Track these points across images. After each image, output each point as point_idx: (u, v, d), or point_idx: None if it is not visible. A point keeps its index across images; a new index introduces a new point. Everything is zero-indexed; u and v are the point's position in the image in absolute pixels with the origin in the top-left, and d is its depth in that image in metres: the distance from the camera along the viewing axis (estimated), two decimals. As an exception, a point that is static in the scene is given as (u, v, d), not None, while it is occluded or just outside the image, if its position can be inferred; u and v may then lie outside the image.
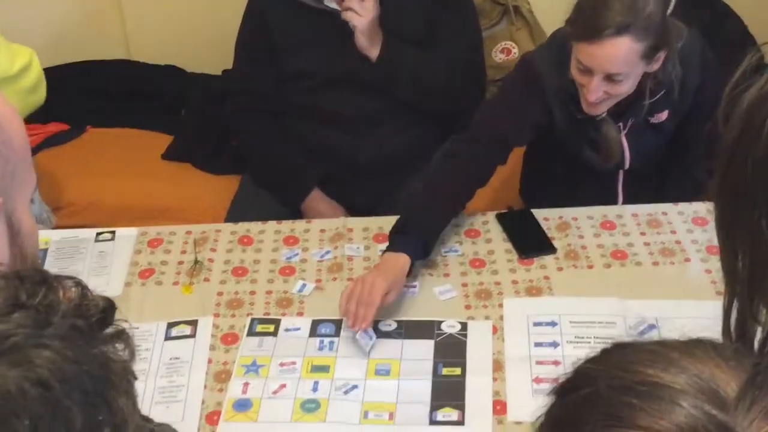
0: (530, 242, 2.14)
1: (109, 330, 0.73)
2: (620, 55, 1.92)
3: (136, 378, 0.74)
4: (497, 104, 2.23)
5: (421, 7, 2.46)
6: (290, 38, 2.48)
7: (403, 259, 1.94)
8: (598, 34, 1.90)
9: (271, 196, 2.59)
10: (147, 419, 1.36)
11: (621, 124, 2.16)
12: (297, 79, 2.52)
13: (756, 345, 0.95)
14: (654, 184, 2.28)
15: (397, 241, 1.99)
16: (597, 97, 2.00)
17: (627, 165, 2.23)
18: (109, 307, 0.74)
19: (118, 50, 3.40)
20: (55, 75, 3.29)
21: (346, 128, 2.52)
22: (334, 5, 2.39)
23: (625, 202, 2.32)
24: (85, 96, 3.28)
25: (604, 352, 0.73)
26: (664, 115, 2.14)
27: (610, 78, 1.97)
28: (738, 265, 0.95)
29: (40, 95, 2.26)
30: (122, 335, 0.74)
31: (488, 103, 2.33)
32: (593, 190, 2.28)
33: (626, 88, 2.02)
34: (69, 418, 0.65)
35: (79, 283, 0.74)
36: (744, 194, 0.92)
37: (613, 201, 2.33)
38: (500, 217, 2.21)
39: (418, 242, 1.99)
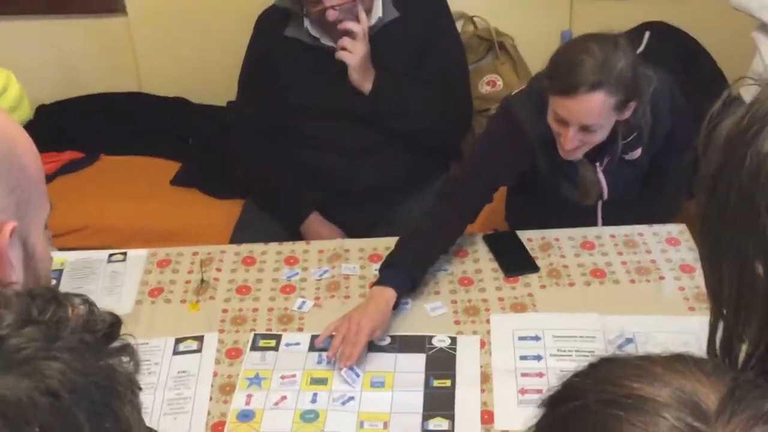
0: (515, 262, 2.13)
1: (115, 344, 0.72)
2: (594, 109, 1.93)
3: (140, 389, 0.73)
4: (484, 151, 2.24)
5: (411, 43, 2.46)
6: (290, 73, 2.48)
7: (389, 294, 1.94)
8: (573, 90, 1.91)
9: (273, 218, 2.58)
10: None
11: (598, 162, 2.17)
12: (296, 111, 2.52)
13: (740, 363, 0.93)
14: (631, 212, 2.28)
15: (386, 276, 1.98)
16: (573, 145, 2.01)
17: (605, 197, 2.24)
18: (115, 323, 0.74)
19: (131, 83, 3.40)
20: (71, 106, 3.33)
21: (342, 156, 2.51)
22: (330, 43, 2.39)
23: (604, 219, 2.32)
24: (99, 126, 3.26)
25: (592, 367, 0.72)
26: (638, 153, 2.15)
27: (585, 128, 1.98)
28: (724, 290, 0.92)
29: (23, 112, 2.21)
30: (127, 349, 0.73)
31: (476, 147, 2.33)
32: (574, 218, 2.27)
33: (600, 136, 2.03)
34: (77, 426, 0.64)
35: (87, 301, 0.74)
36: (729, 223, 0.89)
37: (593, 218, 2.33)
38: (487, 239, 2.21)
39: (407, 278, 1.99)
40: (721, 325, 0.96)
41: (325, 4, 2.31)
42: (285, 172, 2.58)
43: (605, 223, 2.30)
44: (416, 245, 2.06)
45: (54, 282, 2.14)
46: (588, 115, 1.95)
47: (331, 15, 2.32)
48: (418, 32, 2.47)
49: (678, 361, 0.69)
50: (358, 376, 1.83)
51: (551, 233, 2.22)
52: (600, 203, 2.28)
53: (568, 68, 1.93)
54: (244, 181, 2.75)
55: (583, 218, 2.29)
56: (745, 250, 0.87)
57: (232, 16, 3.21)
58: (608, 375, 0.69)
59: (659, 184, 2.29)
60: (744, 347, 0.94)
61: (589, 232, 2.23)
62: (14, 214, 0.93)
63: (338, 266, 2.15)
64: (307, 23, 2.42)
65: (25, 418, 0.62)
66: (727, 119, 0.91)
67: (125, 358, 0.72)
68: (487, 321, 1.96)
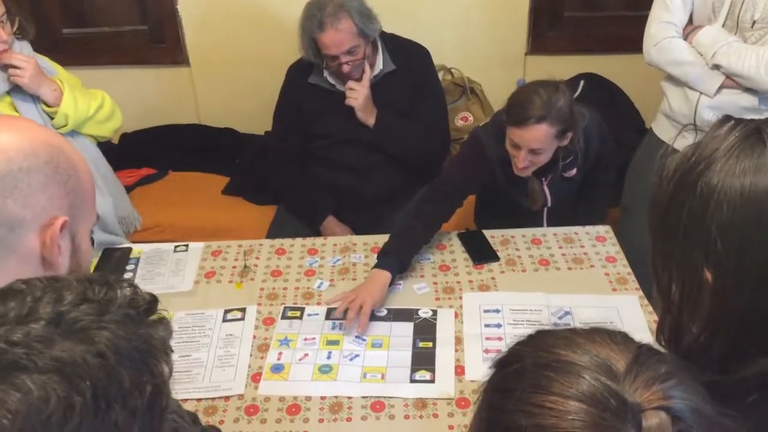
0: (481, 253, 2.12)
1: (153, 317, 0.72)
2: (540, 137, 1.94)
3: (172, 351, 0.73)
4: (456, 166, 2.23)
5: (404, 89, 2.45)
6: (313, 110, 2.46)
7: (385, 276, 1.93)
8: (524, 121, 1.92)
9: (299, 220, 2.58)
10: (196, 419, 1.31)
11: (543, 178, 2.16)
12: (317, 139, 2.50)
13: (684, 348, 0.91)
14: (568, 217, 2.27)
15: (382, 261, 1.97)
16: (524, 165, 2.01)
17: (549, 204, 2.24)
18: (152, 301, 0.73)
19: (192, 117, 3.37)
20: (147, 134, 3.31)
21: (351, 173, 2.50)
22: (343, 88, 2.39)
23: (548, 221, 2.31)
24: (168, 149, 3.24)
25: (530, 337, 0.72)
26: (574, 171, 2.15)
27: (533, 152, 1.98)
28: (672, 290, 0.89)
29: (116, 121, 2.22)
30: (163, 321, 0.73)
31: (451, 164, 2.33)
32: (526, 220, 2.26)
33: (545, 158, 2.03)
34: (120, 380, 0.64)
35: (131, 284, 0.73)
36: (681, 238, 0.86)
37: (539, 220, 2.32)
38: (460, 236, 2.20)
39: (397, 262, 1.98)
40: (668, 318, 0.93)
41: (341, 60, 2.31)
42: (308, 185, 2.57)
43: (549, 225, 2.29)
44: (405, 238, 2.05)
45: (133, 267, 2.14)
46: (535, 141, 1.95)
47: (345, 69, 2.33)
48: (409, 81, 2.46)
49: (596, 333, 0.69)
50: (363, 340, 1.82)
51: (509, 232, 2.21)
52: (545, 210, 2.27)
53: (521, 105, 1.94)
54: (277, 191, 2.74)
55: (533, 221, 2.28)
56: (696, 260, 0.84)
57: (269, 66, 3.19)
58: (542, 343, 0.69)
59: (590, 195, 2.29)
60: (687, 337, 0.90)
61: (537, 231, 2.21)
62: (68, 213, 0.93)
63: (348, 256, 2.13)
64: (326, 73, 2.42)
65: (79, 374, 0.62)
66: (676, 155, 0.88)
67: (161, 328, 0.72)
68: (460, 298, 1.95)
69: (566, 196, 2.26)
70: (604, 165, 2.22)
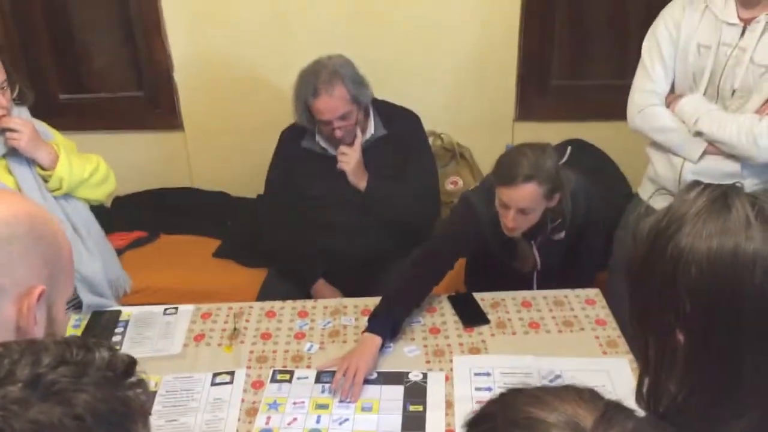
0: (471, 316, 2.11)
1: (132, 379, 0.72)
2: (528, 196, 1.97)
3: (150, 413, 0.72)
4: (446, 229, 2.26)
5: (396, 153, 2.50)
6: (305, 173, 2.49)
7: (377, 340, 1.92)
8: (513, 181, 1.96)
9: (289, 283, 2.57)
10: None
11: (533, 241, 2.19)
12: (309, 202, 2.53)
13: (663, 407, 0.91)
14: (557, 279, 2.28)
15: (373, 325, 1.96)
16: (513, 224, 2.03)
17: (539, 267, 2.25)
18: (131, 363, 0.73)
19: (185, 180, 3.40)
20: (139, 198, 3.33)
21: (343, 236, 2.51)
22: (335, 153, 2.44)
23: (538, 284, 2.32)
24: (160, 212, 3.26)
25: (501, 395, 0.73)
26: (562, 235, 2.17)
27: (521, 211, 2.01)
28: (649, 351, 0.91)
29: (110, 185, 2.23)
30: (141, 383, 0.73)
31: (441, 227, 2.37)
32: (516, 283, 2.27)
33: (533, 218, 2.06)
34: None
35: (110, 347, 0.73)
36: (654, 300, 0.88)
37: (530, 284, 2.33)
38: (450, 298, 2.20)
39: (388, 327, 1.97)
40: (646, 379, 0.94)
41: (334, 126, 2.36)
42: (299, 248, 2.56)
43: (539, 287, 2.30)
44: (396, 302, 2.05)
45: (122, 330, 2.12)
46: (524, 200, 1.99)
47: (338, 134, 2.38)
48: (400, 145, 2.50)
49: (565, 391, 0.70)
50: (353, 403, 1.80)
51: (499, 295, 2.21)
52: (535, 272, 2.29)
53: (509, 166, 1.99)
54: (268, 254, 2.73)
55: (522, 283, 2.29)
56: (668, 321, 0.86)
57: (261, 131, 3.24)
58: (512, 402, 0.70)
59: (579, 258, 2.31)
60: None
61: (527, 294, 2.22)
62: (46, 283, 0.93)
63: (338, 318, 2.13)
64: (318, 138, 2.46)
65: None
66: (650, 218, 0.90)
67: (139, 391, 0.72)
68: (451, 361, 1.93)
69: (555, 258, 2.27)
70: (592, 228, 2.24)
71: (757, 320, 0.81)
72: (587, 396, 0.68)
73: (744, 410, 0.84)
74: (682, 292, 0.83)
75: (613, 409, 0.67)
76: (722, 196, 0.86)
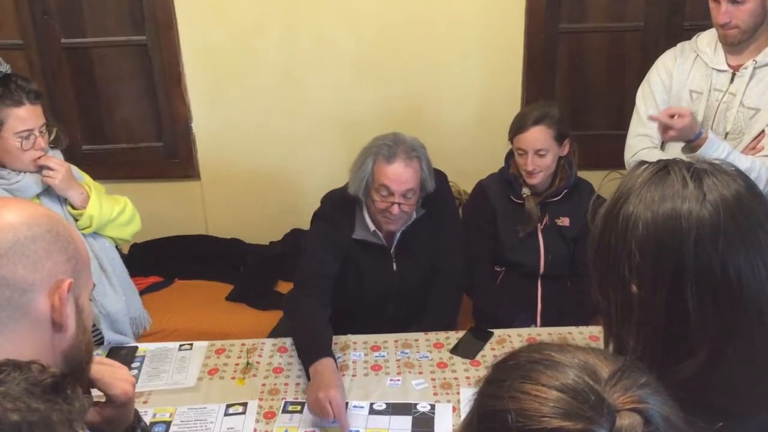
0: (460, 346, 2.15)
1: (60, 394, 0.70)
2: (540, 137, 2.28)
3: (82, 428, 0.70)
4: (465, 223, 2.49)
5: (430, 233, 2.33)
6: (357, 264, 2.30)
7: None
8: (524, 126, 2.29)
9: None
10: None
11: (539, 224, 2.38)
12: (354, 292, 2.33)
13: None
14: (560, 289, 2.38)
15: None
16: (533, 166, 2.28)
17: (542, 268, 2.33)
18: (61, 377, 0.72)
19: (200, 228, 3.49)
20: (156, 245, 3.39)
21: (375, 310, 2.37)
22: (383, 242, 2.29)
23: (542, 302, 2.41)
24: (176, 259, 3.32)
25: (528, 345, 0.80)
26: (566, 221, 2.30)
27: (538, 153, 2.28)
28: (611, 310, 1.01)
29: (135, 225, 2.33)
30: (69, 398, 0.71)
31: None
32: (521, 291, 2.40)
33: (550, 161, 2.31)
34: None
35: (44, 366, 0.72)
36: (611, 260, 0.99)
37: (534, 300, 2.43)
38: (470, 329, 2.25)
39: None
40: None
41: (394, 199, 2.13)
42: (322, 326, 2.12)
43: (543, 296, 2.42)
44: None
45: (138, 365, 2.16)
46: (537, 142, 2.27)
47: (395, 210, 2.15)
48: (434, 221, 2.33)
49: (589, 347, 0.77)
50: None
51: (505, 332, 2.24)
52: (539, 281, 2.36)
53: (520, 117, 2.35)
54: (286, 317, 2.46)
55: (527, 291, 2.40)
56: (623, 276, 0.97)
57: (275, 180, 3.37)
58: (537, 347, 0.77)
59: (582, 272, 2.38)
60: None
61: (533, 331, 2.26)
62: (71, 276, 0.99)
63: (348, 353, 2.16)
64: (367, 218, 2.24)
65: None
66: (608, 201, 1.03)
67: (67, 405, 0.70)
68: (458, 393, 1.96)
69: (559, 259, 2.38)
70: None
71: (696, 267, 0.92)
72: (608, 353, 0.76)
73: (693, 351, 0.94)
74: (632, 246, 0.96)
75: (630, 365, 0.73)
76: (664, 167, 0.99)
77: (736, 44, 2.13)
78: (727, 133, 2.18)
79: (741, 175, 0.99)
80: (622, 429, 0.66)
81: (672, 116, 2.02)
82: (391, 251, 2.31)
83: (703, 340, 0.93)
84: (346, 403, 1.88)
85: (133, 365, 2.15)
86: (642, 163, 1.02)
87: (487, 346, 2.17)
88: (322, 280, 2.20)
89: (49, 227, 0.98)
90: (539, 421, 0.67)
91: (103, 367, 1.13)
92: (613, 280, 0.99)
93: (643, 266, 0.95)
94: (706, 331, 0.93)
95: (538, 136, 2.27)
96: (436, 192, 2.26)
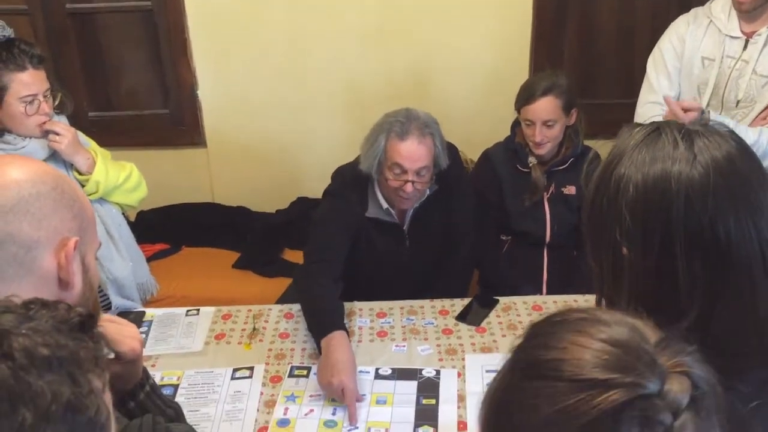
0: (466, 314, 2.16)
1: (86, 333, 0.70)
2: (548, 107, 2.23)
3: (105, 368, 0.70)
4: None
5: (442, 211, 2.29)
6: (369, 243, 2.26)
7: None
8: (532, 97, 2.25)
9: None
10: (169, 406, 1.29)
11: (545, 193, 2.37)
12: (366, 266, 2.30)
13: None
14: (566, 258, 2.38)
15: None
16: (540, 137, 2.25)
17: (548, 237, 2.33)
18: (88, 316, 0.72)
19: (207, 196, 3.49)
20: (162, 213, 3.40)
21: (388, 285, 2.33)
22: (396, 220, 2.26)
23: (548, 271, 2.42)
24: (182, 226, 3.33)
25: (570, 307, 0.80)
26: (573, 189, 2.29)
27: (545, 124, 2.24)
28: (603, 274, 1.01)
29: (141, 191, 2.32)
30: (97, 338, 0.71)
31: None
32: (527, 262, 2.39)
33: (557, 132, 2.28)
34: (28, 382, 0.62)
35: (69, 306, 0.73)
36: (603, 223, 1.00)
37: (540, 269, 2.43)
38: (475, 297, 2.26)
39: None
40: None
41: (408, 177, 2.09)
42: (333, 301, 2.10)
43: (549, 265, 2.42)
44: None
45: (146, 329, 2.18)
46: (545, 112, 2.23)
47: (408, 188, 2.11)
48: (446, 197, 2.28)
49: (629, 316, 0.76)
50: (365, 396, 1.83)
51: (511, 299, 2.24)
52: (545, 250, 2.36)
53: (528, 87, 2.30)
54: (296, 292, 2.33)
55: (533, 260, 2.41)
56: (614, 239, 0.98)
57: (280, 148, 3.36)
58: (584, 309, 0.77)
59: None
60: None
61: (538, 299, 2.26)
62: (77, 234, 0.99)
63: (354, 319, 2.17)
64: (380, 196, 2.21)
65: None
66: (601, 164, 1.03)
67: (93, 344, 0.70)
68: (463, 359, 1.97)
69: (565, 228, 2.37)
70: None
71: (686, 228, 0.93)
72: (649, 323, 0.75)
73: (683, 313, 0.94)
74: (623, 209, 0.96)
75: (672, 335, 0.73)
76: (656, 129, 0.99)
77: (750, 11, 2.09)
78: (738, 101, 2.15)
79: (734, 136, 0.98)
80: (672, 388, 0.66)
81: (684, 110, 1.99)
82: (404, 228, 2.30)
83: (693, 301, 0.94)
84: None
85: (141, 330, 2.16)
86: (635, 125, 1.02)
87: (493, 314, 2.17)
88: (332, 254, 2.17)
89: (54, 185, 0.98)
90: (591, 372, 0.67)
91: (111, 324, 1.14)
92: (605, 243, 0.99)
93: (633, 228, 0.95)
94: (696, 291, 0.94)
95: (546, 107, 2.23)
96: (449, 167, 2.21)
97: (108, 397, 0.69)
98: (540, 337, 0.74)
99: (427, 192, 2.20)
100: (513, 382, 0.74)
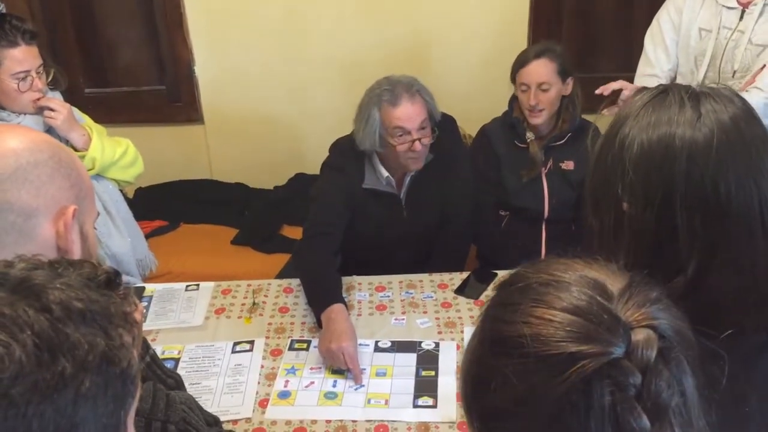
0: (464, 286, 2.18)
1: (114, 290, 0.71)
2: (543, 71, 2.23)
3: (136, 321, 0.71)
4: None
5: (438, 180, 2.31)
6: (366, 214, 2.28)
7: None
8: (527, 60, 2.26)
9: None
10: (216, 422, 1.30)
11: (543, 169, 2.36)
12: (365, 240, 2.32)
13: None
14: (565, 233, 2.38)
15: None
16: (535, 100, 2.23)
17: (546, 213, 2.33)
18: (113, 274, 0.73)
19: (204, 172, 3.48)
20: (160, 189, 3.40)
21: (384, 258, 2.34)
22: (394, 191, 2.29)
23: (546, 246, 2.42)
24: (180, 203, 3.33)
25: (533, 262, 0.79)
26: (571, 165, 2.28)
27: (540, 87, 2.23)
28: (603, 231, 1.03)
29: (138, 167, 2.32)
30: (125, 295, 0.72)
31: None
32: (525, 238, 2.41)
33: (553, 96, 2.26)
34: (67, 335, 0.63)
35: (93, 264, 0.73)
36: (606, 180, 1.02)
37: (538, 244, 2.43)
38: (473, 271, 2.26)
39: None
40: None
41: (413, 137, 2.13)
42: (331, 271, 2.13)
43: (547, 240, 2.42)
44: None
45: (146, 304, 2.19)
46: (539, 74, 2.23)
47: (417, 146, 2.14)
48: (444, 166, 2.30)
49: (594, 261, 0.76)
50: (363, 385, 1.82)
51: (509, 273, 2.24)
52: (544, 225, 2.36)
53: (522, 54, 2.31)
54: (295, 265, 2.34)
55: (532, 236, 2.41)
56: (616, 194, 1.00)
57: (278, 124, 3.35)
58: (544, 267, 0.76)
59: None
60: None
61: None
62: (75, 203, 0.99)
63: (353, 294, 2.18)
64: (381, 167, 2.23)
65: (19, 325, 0.62)
66: (605, 131, 1.05)
67: (119, 299, 0.71)
68: (462, 332, 1.99)
69: (563, 203, 2.38)
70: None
71: (687, 184, 0.95)
72: (615, 268, 0.76)
73: (681, 268, 0.96)
74: (626, 164, 0.98)
75: (638, 280, 0.73)
76: (663, 90, 1.01)
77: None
78: (735, 72, 2.15)
79: (739, 98, 1.00)
80: (638, 345, 0.66)
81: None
82: (401, 197, 2.30)
83: (691, 256, 0.96)
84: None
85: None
86: (643, 88, 1.04)
87: (491, 287, 2.18)
88: (331, 228, 2.19)
89: (51, 153, 0.98)
90: (557, 347, 0.67)
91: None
92: (607, 199, 1.01)
93: (635, 183, 0.97)
94: (694, 247, 0.96)
95: (540, 69, 2.23)
96: (445, 137, 2.25)
97: (136, 353, 0.71)
98: (503, 307, 0.74)
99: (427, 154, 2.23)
100: (484, 357, 0.74)
